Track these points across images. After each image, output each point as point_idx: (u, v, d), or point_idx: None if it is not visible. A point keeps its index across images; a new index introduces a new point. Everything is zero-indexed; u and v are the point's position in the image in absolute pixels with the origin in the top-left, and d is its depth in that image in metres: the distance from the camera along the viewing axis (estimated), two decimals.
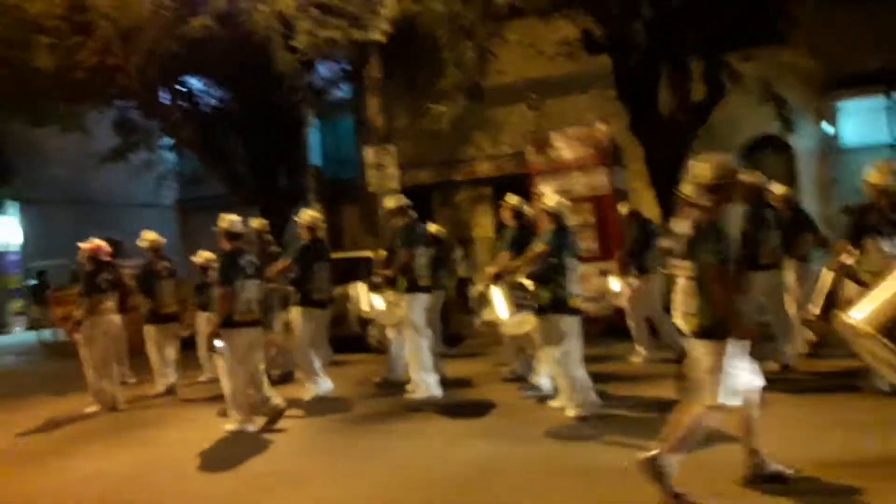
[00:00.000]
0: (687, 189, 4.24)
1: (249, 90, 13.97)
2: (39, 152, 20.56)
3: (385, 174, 12.24)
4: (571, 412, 6.21)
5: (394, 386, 7.93)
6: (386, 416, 6.94)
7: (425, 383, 7.37)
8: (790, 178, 12.19)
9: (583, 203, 10.09)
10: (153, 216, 22.14)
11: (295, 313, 8.01)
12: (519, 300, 6.33)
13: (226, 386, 6.66)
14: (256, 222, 10.80)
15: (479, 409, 6.91)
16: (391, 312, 7.78)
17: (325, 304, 8.12)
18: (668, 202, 10.27)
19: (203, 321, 9.03)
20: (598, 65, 12.19)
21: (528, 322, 6.43)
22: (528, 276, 6.34)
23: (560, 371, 6.28)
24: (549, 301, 6.20)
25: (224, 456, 6.01)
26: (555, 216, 6.39)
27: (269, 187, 14.27)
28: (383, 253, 9.33)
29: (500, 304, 6.46)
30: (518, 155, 14.70)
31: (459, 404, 7.15)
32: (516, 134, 14.64)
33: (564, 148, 10.64)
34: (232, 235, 6.73)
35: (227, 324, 6.45)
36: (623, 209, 9.13)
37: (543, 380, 7.12)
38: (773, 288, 7.17)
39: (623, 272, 8.61)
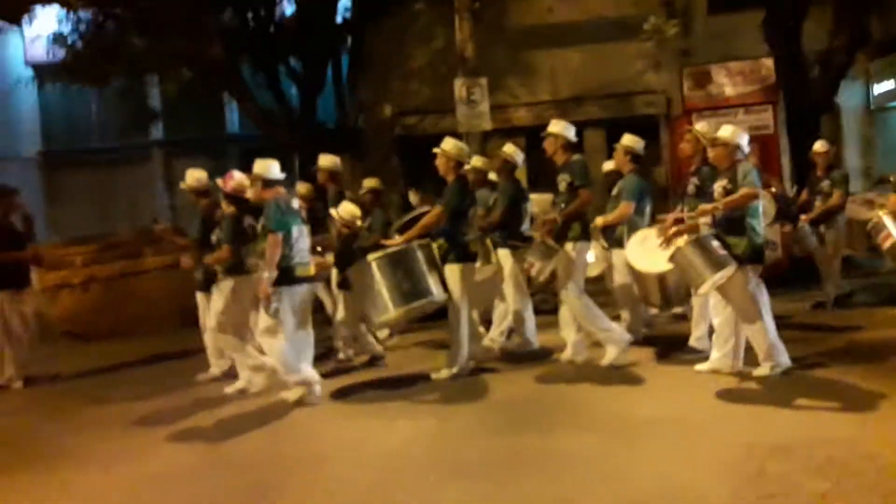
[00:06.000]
0: None
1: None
2: None
3: (476, 111, 10.80)
4: (765, 370, 5.44)
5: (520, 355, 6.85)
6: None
7: (613, 337, 6.27)
8: (835, 135, 12.59)
9: None
10: (11, 170, 18.57)
11: (451, 272, 6.28)
12: (715, 254, 5.28)
13: (276, 350, 5.73)
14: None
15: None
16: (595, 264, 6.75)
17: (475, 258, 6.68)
18: (804, 149, 9.98)
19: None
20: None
21: (727, 276, 5.38)
22: (718, 224, 5.42)
23: (757, 329, 5.44)
24: (747, 250, 5.37)
25: None
26: (737, 149, 5.43)
27: (311, 127, 11.86)
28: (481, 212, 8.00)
29: (699, 265, 5.31)
30: (560, 103, 13.79)
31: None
32: (557, 80, 13.71)
33: (726, 84, 9.96)
34: (268, 182, 5.92)
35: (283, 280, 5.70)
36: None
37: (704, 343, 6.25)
38: None
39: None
